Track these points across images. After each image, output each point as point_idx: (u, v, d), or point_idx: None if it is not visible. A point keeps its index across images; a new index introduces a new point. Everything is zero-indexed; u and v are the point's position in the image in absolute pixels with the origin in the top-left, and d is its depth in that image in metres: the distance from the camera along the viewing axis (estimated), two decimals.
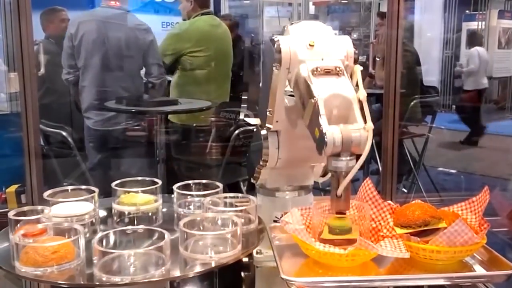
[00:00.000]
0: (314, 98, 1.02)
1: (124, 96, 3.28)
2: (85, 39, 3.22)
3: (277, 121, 1.23)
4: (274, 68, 1.14)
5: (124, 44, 3.28)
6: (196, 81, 3.52)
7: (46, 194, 1.27)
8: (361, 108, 1.03)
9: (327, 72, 1.08)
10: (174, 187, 1.33)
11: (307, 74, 1.08)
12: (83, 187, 1.33)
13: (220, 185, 1.34)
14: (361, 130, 0.99)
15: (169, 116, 3.49)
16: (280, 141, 1.25)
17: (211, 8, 3.87)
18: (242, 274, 1.31)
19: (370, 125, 1.00)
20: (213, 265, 1.07)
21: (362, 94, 1.04)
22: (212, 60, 3.51)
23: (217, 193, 1.31)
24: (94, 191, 1.29)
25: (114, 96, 3.26)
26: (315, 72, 1.08)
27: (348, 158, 0.99)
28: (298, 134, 1.21)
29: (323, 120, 1.00)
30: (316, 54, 1.12)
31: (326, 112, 1.01)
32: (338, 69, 1.08)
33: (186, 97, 3.48)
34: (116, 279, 0.98)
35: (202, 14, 3.47)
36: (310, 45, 1.13)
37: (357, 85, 1.09)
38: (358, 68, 1.13)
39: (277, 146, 1.25)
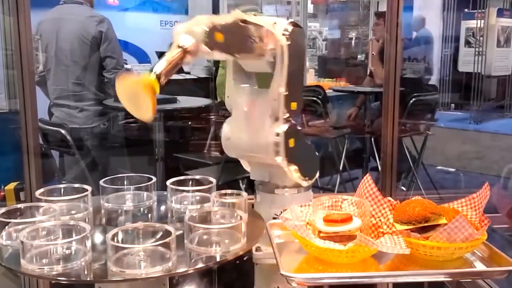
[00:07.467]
0: None
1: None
2: (42, 39, 3.20)
3: None
4: None
5: (75, 38, 3.18)
6: None
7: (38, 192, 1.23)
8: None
9: None
10: (168, 182, 1.32)
11: None
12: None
13: (213, 180, 1.34)
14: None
15: None
16: None
17: (210, 7, 3.84)
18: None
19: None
20: (218, 259, 1.07)
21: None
22: None
23: (209, 189, 1.31)
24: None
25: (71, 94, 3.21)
26: None
27: None
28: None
29: None
30: None
31: None
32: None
33: None
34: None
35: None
36: None
37: None
38: None
39: None
